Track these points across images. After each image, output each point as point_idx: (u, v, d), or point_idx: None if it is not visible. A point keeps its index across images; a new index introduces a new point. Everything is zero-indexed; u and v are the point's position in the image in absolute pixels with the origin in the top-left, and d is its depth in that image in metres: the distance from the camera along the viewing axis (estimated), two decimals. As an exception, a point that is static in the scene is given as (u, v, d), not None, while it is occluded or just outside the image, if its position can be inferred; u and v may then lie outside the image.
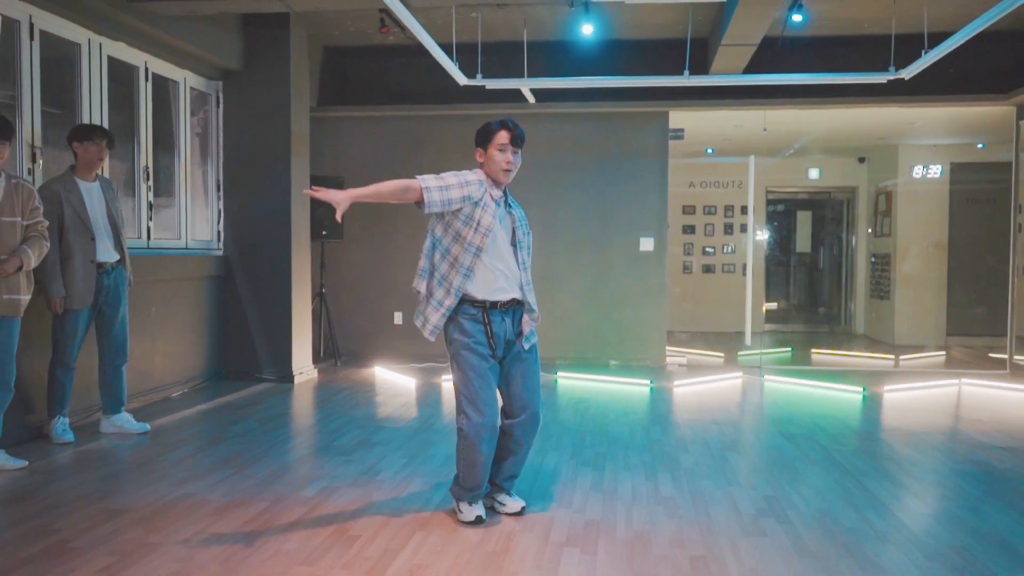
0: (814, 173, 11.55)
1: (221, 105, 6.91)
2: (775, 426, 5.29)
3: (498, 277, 3.35)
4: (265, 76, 6.84)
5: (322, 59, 8.41)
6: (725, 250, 11.75)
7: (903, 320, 10.21)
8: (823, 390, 6.69)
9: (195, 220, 6.67)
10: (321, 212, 7.60)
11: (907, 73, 6.43)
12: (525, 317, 3.45)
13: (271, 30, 6.80)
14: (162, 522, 3.35)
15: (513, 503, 3.52)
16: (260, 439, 4.83)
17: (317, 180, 7.49)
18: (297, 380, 6.85)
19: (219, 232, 6.93)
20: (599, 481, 4.00)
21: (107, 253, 4.75)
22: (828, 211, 12.16)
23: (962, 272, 10.16)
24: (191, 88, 6.58)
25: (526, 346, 3.43)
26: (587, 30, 6.98)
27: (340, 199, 3.17)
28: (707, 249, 11.74)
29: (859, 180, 11.56)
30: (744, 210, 11.67)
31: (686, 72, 6.73)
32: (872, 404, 6.17)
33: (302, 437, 4.95)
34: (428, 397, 6.30)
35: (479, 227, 3.30)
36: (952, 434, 5.09)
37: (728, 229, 11.79)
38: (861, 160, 11.52)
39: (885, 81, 6.65)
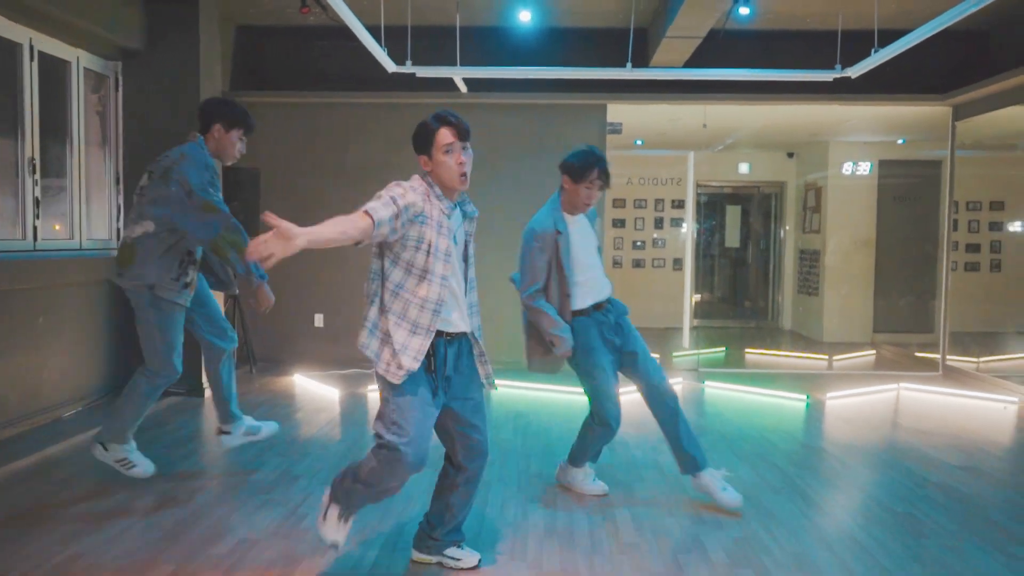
0: (744, 168, 11.45)
1: (120, 88, 6.21)
2: (726, 443, 5.02)
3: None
4: (171, 56, 6.18)
5: (235, 39, 7.74)
6: (656, 244, 11.56)
7: (831, 317, 10.21)
8: (765, 397, 6.49)
9: (91, 217, 5.98)
10: (235, 206, 6.97)
11: (854, 72, 6.23)
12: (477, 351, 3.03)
13: (177, 6, 6.13)
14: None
15: (469, 557, 3.11)
16: (163, 474, 4.26)
17: (229, 172, 6.87)
18: (208, 393, 6.24)
19: (118, 230, 6.24)
20: (552, 523, 3.63)
21: None
22: (757, 206, 12.11)
23: (888, 269, 10.22)
24: (85, 69, 5.87)
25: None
26: (524, 17, 6.58)
27: (294, 240, 2.43)
28: (637, 243, 11.53)
29: (787, 175, 11.52)
30: (675, 204, 11.53)
31: (628, 64, 6.38)
32: (817, 414, 5.99)
33: (214, 469, 4.41)
34: (354, 412, 5.81)
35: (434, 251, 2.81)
36: (906, 451, 4.91)
37: (659, 223, 11.59)
38: (790, 155, 11.48)
39: (831, 79, 6.46)
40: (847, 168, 10.24)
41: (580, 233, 3.89)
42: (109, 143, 6.18)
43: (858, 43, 6.34)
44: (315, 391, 6.53)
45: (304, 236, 2.40)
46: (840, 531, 3.58)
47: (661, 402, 3.90)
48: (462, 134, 2.93)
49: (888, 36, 5.85)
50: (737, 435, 5.26)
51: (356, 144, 7.79)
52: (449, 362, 2.90)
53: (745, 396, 6.56)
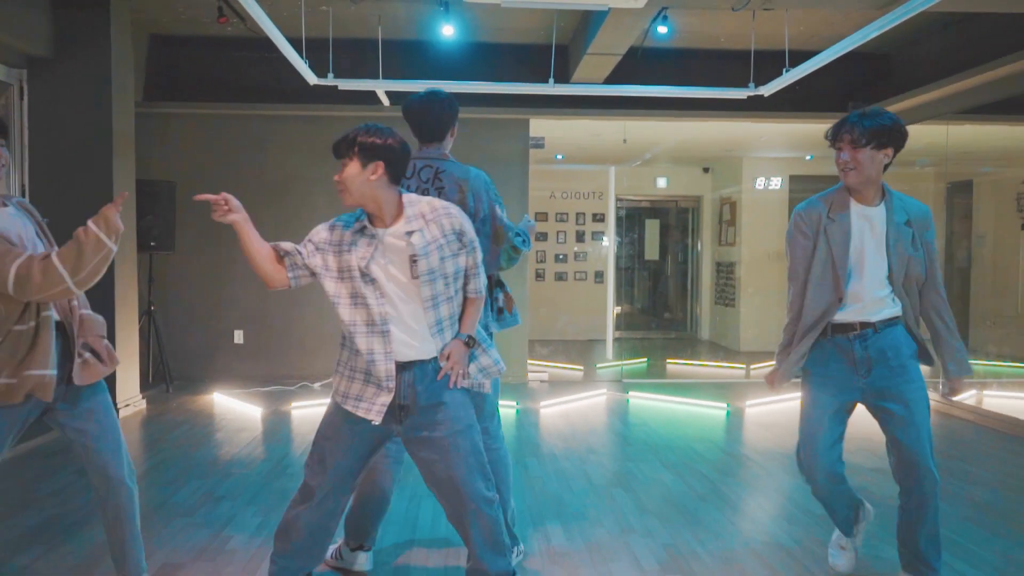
0: (662, 182, 11.73)
1: (26, 97, 5.95)
2: (654, 453, 5.11)
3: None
4: (81, 65, 5.95)
5: (148, 48, 7.51)
6: (577, 258, 11.71)
7: (747, 327, 10.52)
8: (688, 407, 6.64)
9: (-6, 231, 5.69)
10: (149, 220, 6.76)
11: (767, 90, 6.46)
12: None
13: (88, 12, 5.92)
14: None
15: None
16: (79, 499, 4.08)
17: (144, 185, 6.66)
18: (123, 413, 6.00)
19: (24, 245, 5.96)
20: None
21: None
22: (674, 219, 12.40)
23: (800, 281, 10.59)
24: (-13, 76, 5.61)
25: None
26: (447, 31, 6.58)
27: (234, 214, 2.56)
28: (559, 256, 11.65)
29: (703, 190, 11.84)
30: (596, 217, 11.71)
31: (551, 80, 6.47)
32: (738, 421, 6.16)
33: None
34: (277, 430, 5.68)
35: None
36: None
37: (580, 237, 11.75)
38: (705, 170, 11.81)
39: (745, 97, 6.68)
40: (760, 183, 10.60)
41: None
42: (13, 155, 5.90)
43: (769, 63, 6.59)
44: (236, 409, 6.35)
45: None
46: (765, 535, 3.68)
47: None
48: (335, 153, 2.63)
49: (797, 56, 6.10)
50: (663, 444, 5.36)
51: (276, 157, 7.65)
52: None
53: (668, 406, 6.69)
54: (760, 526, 3.82)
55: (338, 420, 2.61)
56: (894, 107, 7.41)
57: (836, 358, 2.89)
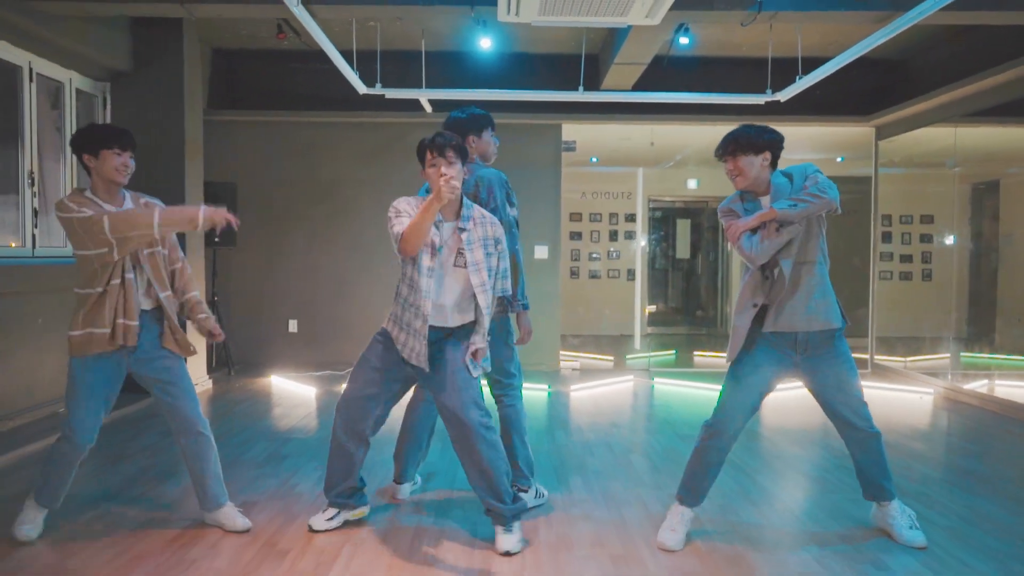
0: (692, 183, 12.16)
1: (108, 107, 6.65)
2: (670, 428, 5.61)
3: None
4: (157, 78, 6.63)
5: (212, 61, 8.21)
6: (611, 256, 12.20)
7: (773, 323, 10.88)
8: (708, 391, 7.10)
9: (81, 227, 6.38)
10: (214, 218, 7.42)
11: (783, 96, 6.92)
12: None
13: (163, 31, 6.60)
14: (78, 546, 3.26)
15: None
16: (166, 454, 4.72)
17: (211, 187, 7.33)
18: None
19: (106, 239, 6.65)
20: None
21: None
22: (705, 219, 12.82)
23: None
24: (77, 89, 6.31)
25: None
26: (485, 44, 7.14)
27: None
28: (593, 255, 12.15)
29: (733, 190, 12.21)
30: (628, 218, 12.18)
31: (580, 88, 7.00)
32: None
33: (208, 451, 4.86)
34: (330, 407, 6.27)
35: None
36: (829, 431, 5.54)
37: (613, 236, 12.24)
38: (735, 172, 12.20)
39: (763, 102, 7.14)
40: (786, 184, 10.96)
41: None
42: (97, 158, 6.59)
43: (787, 69, 7.04)
44: (291, 390, 6.98)
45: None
46: (760, 489, 4.16)
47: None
48: (437, 149, 3.27)
49: (812, 63, 6.55)
50: (681, 421, 5.85)
51: (325, 160, 8.29)
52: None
53: (691, 391, 7.16)
54: (756, 482, 4.29)
55: (385, 353, 3.38)
56: (910, 110, 7.81)
57: None
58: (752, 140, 3.28)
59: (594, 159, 11.29)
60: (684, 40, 6.85)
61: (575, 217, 11.90)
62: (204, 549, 3.24)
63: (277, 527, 3.51)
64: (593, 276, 12.15)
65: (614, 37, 7.20)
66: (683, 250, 12.81)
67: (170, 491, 4.01)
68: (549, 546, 3.34)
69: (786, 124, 8.39)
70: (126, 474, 4.29)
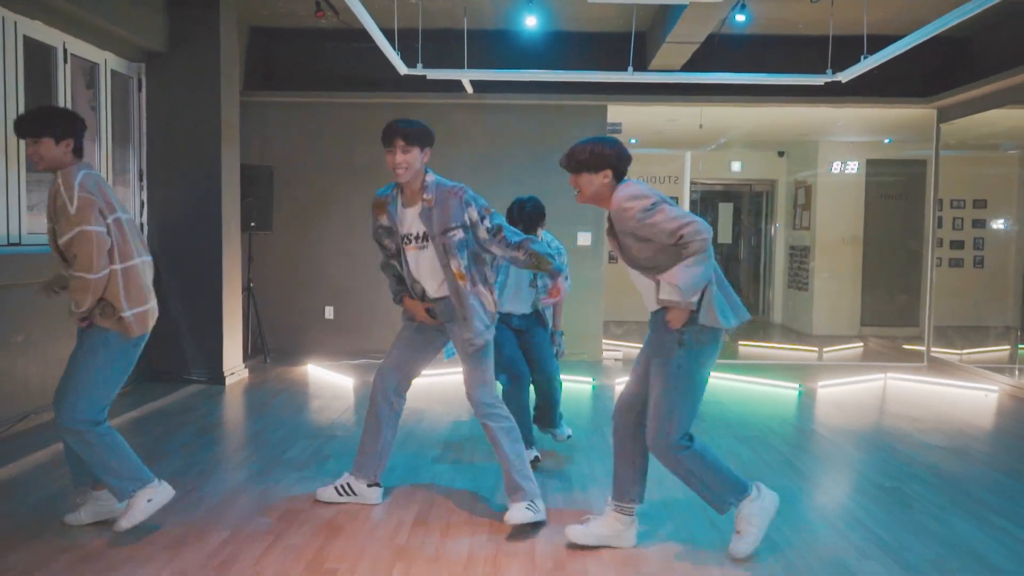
0: (736, 166, 11.79)
1: (143, 89, 6.46)
2: (728, 428, 5.35)
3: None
4: (192, 58, 6.43)
5: (247, 40, 7.99)
6: (650, 241, 11.87)
7: (820, 311, 10.56)
8: (759, 386, 6.82)
9: (116, 212, 6.23)
10: (250, 201, 7.24)
11: (844, 76, 6.56)
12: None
13: (199, 9, 6.38)
14: (117, 559, 3.09)
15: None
16: (203, 453, 4.55)
17: (245, 169, 7.13)
18: (229, 381, 6.52)
19: (142, 224, 6.50)
20: (568, 492, 3.93)
21: None
22: (748, 203, 12.45)
23: (875, 265, 10.58)
24: (112, 71, 6.12)
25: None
26: (530, 22, 6.85)
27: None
28: (632, 239, 11.83)
29: (778, 173, 11.86)
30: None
31: (630, 68, 6.69)
32: (810, 401, 6.33)
33: (248, 450, 4.69)
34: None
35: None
36: (894, 434, 5.25)
37: (653, 220, 11.89)
38: (780, 154, 11.82)
39: (822, 83, 6.78)
40: (836, 167, 10.59)
41: None
42: (132, 142, 6.43)
43: (844, 48, 6.68)
44: (329, 380, 6.80)
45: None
46: (836, 505, 3.90)
47: None
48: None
49: (875, 41, 6.19)
50: (736, 420, 5.58)
51: (364, 142, 8.05)
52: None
53: (741, 385, 6.88)
54: (831, 496, 4.03)
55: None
56: (973, 92, 7.40)
57: None
58: (588, 160, 3.15)
59: (633, 140, 10.96)
60: (741, 17, 6.51)
61: (614, 200, 11.58)
62: (246, 566, 3.05)
63: (322, 541, 3.31)
64: (632, 261, 11.85)
65: (666, 15, 6.87)
66: (725, 235, 12.45)
67: (209, 496, 3.84)
68: (616, 565, 3.11)
69: (844, 106, 8.05)
70: (163, 474, 4.12)
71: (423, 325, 3.68)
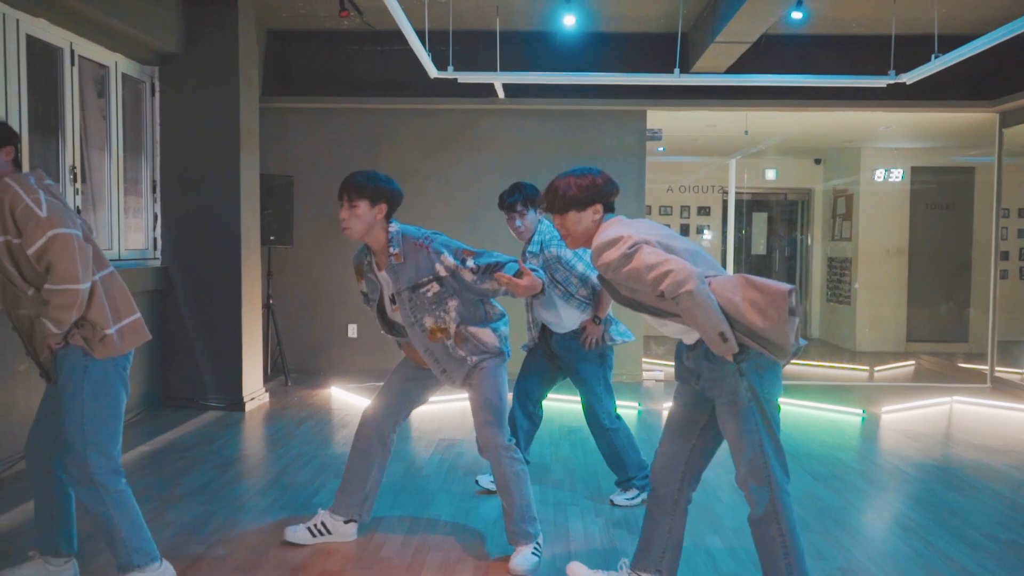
0: (771, 174, 11.30)
1: (157, 94, 6.04)
2: (796, 462, 4.85)
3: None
4: (209, 61, 6.00)
5: (264, 44, 7.56)
6: (682, 252, 11.39)
7: (864, 326, 10.04)
8: (818, 411, 6.32)
9: (127, 226, 5.80)
10: (269, 214, 6.80)
11: (910, 78, 6.11)
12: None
13: (216, 10, 5.96)
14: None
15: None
16: (225, 495, 4.09)
17: (263, 179, 6.69)
18: (248, 407, 6.06)
19: (155, 239, 6.06)
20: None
21: None
22: (782, 212, 11.95)
23: (922, 277, 10.07)
24: (123, 74, 5.70)
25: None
26: (569, 21, 6.40)
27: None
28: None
29: (814, 181, 11.37)
30: (701, 211, 11.38)
31: (676, 70, 6.24)
32: (875, 428, 5.83)
33: (275, 492, 4.21)
34: (400, 429, 5.61)
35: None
36: (985, 471, 4.74)
37: (684, 231, 11.44)
38: (817, 161, 11.33)
39: (884, 85, 6.32)
40: (879, 175, 10.09)
41: None
42: (145, 150, 6.00)
43: (903, 49, 6.21)
44: (355, 404, 6.34)
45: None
46: (949, 562, 3.39)
47: None
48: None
49: (937, 42, 5.73)
50: (802, 452, 5.09)
51: (389, 150, 7.62)
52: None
53: (795, 409, 6.39)
54: (939, 550, 3.53)
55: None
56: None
57: None
58: (577, 196, 2.78)
59: (661, 148, 10.50)
60: (797, 15, 6.02)
61: (644, 210, 11.12)
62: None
63: (368, 612, 2.84)
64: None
65: (713, 15, 6.41)
66: (758, 245, 11.95)
67: (233, 554, 3.37)
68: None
69: (905, 110, 7.57)
70: (181, 522, 3.67)
71: (422, 369, 3.42)
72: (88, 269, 2.67)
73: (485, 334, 3.25)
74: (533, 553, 3.22)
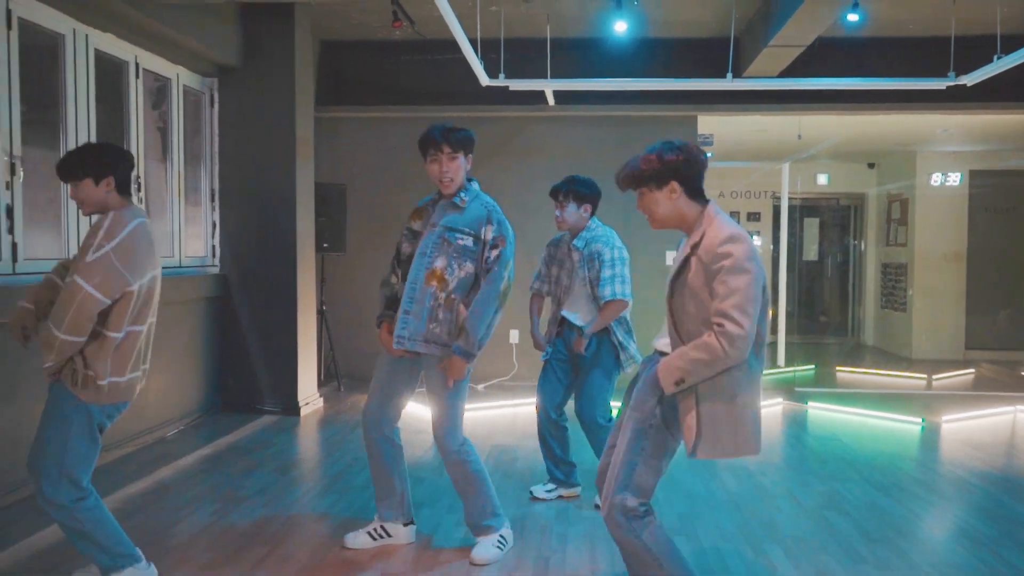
0: (822, 179, 11.14)
1: (216, 105, 6.18)
2: (855, 471, 4.76)
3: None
4: (266, 73, 6.12)
5: (318, 54, 7.68)
6: (730, 258, 11.28)
7: (921, 333, 9.83)
8: (876, 420, 6.21)
9: (187, 234, 5.93)
10: (323, 221, 6.91)
11: (971, 80, 5.98)
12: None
13: (273, 22, 6.08)
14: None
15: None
16: (285, 498, 4.16)
17: (317, 188, 6.80)
18: (303, 412, 6.15)
19: (214, 247, 6.20)
20: (700, 554, 3.42)
21: None
22: (834, 218, 11.77)
23: (981, 283, 9.82)
24: (184, 86, 5.84)
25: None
26: (620, 27, 6.38)
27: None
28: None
29: (868, 186, 11.18)
30: (751, 216, 11.26)
31: (728, 75, 6.20)
32: (936, 438, 5.70)
33: (333, 495, 4.27)
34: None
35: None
36: (1051, 480, 4.62)
37: (733, 237, 11.31)
38: (871, 166, 11.14)
39: (944, 87, 6.19)
40: (936, 178, 9.88)
41: None
42: (204, 160, 6.14)
43: (962, 50, 6.09)
44: (409, 410, 6.35)
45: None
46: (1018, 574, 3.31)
47: None
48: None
49: (1000, 42, 5.61)
50: (863, 462, 4.99)
51: (440, 159, 7.66)
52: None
53: (853, 418, 6.28)
54: (1006, 561, 3.44)
55: None
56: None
57: None
58: (647, 172, 2.60)
59: (708, 154, 10.40)
60: (853, 17, 5.93)
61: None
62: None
63: (430, 615, 2.87)
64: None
65: (766, 19, 6.35)
66: (810, 251, 11.78)
67: (297, 554, 3.43)
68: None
69: (965, 112, 7.41)
70: (242, 527, 3.74)
71: (400, 359, 3.41)
72: (80, 327, 2.70)
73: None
74: (497, 545, 3.36)
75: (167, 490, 4.31)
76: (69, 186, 2.90)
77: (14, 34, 4.13)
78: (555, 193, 4.17)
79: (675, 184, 2.55)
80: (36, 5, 4.29)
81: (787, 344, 9.21)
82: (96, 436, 2.87)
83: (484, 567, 3.28)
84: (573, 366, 4.14)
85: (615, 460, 2.61)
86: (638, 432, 2.55)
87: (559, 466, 4.16)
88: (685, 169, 2.55)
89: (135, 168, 2.96)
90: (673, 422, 2.52)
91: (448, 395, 3.32)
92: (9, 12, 4.10)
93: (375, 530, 3.51)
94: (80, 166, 2.85)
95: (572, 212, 4.11)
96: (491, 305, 3.26)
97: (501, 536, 3.41)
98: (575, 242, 4.10)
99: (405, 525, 3.53)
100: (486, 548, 3.34)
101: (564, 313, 4.12)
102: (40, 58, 4.45)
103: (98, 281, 2.69)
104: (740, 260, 2.37)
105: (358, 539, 3.49)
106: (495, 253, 3.30)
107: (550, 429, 4.15)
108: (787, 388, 7.45)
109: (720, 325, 2.35)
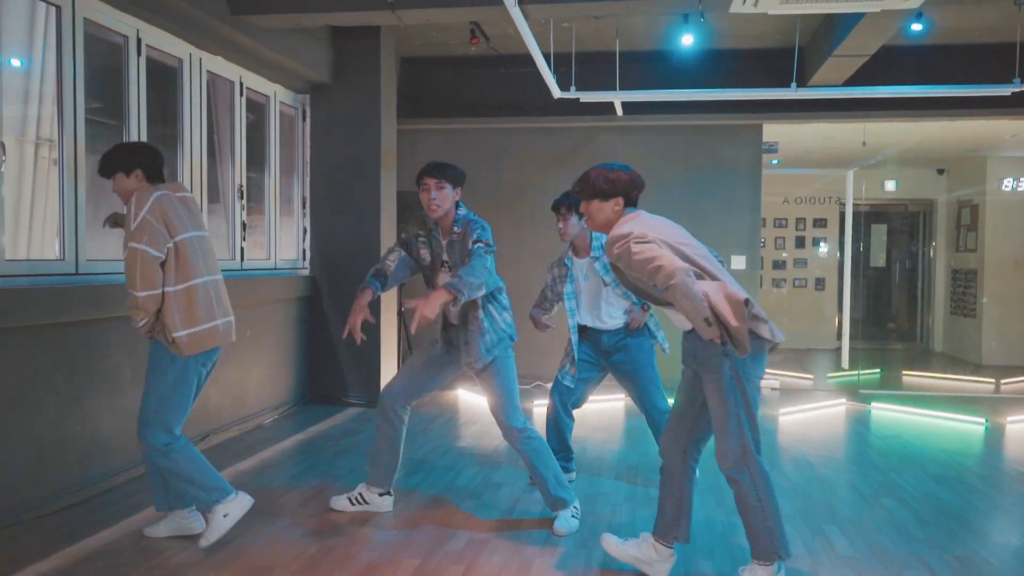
0: (890, 185, 11.16)
1: (308, 119, 6.67)
2: (915, 465, 4.94)
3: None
4: (354, 89, 6.59)
5: (399, 70, 8.15)
6: (797, 264, 11.40)
7: (991, 339, 9.78)
8: (938, 420, 6.33)
9: (281, 239, 6.43)
10: (403, 227, 7.34)
11: (1036, 86, 6.07)
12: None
13: (361, 42, 6.56)
14: (314, 584, 3.09)
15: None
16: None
17: (401, 196, 7.24)
18: (386, 405, 6.58)
19: (305, 251, 6.69)
20: (763, 535, 3.68)
21: None
22: (902, 224, 11.76)
23: (1054, 289, 9.73)
24: (280, 102, 6.35)
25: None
26: (687, 41, 6.66)
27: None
28: (777, 263, 11.39)
29: (936, 192, 11.16)
30: (817, 223, 11.35)
31: (793, 84, 6.42)
32: (1000, 437, 5.81)
33: (419, 475, 4.66)
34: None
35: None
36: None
37: (800, 243, 11.43)
38: (940, 172, 11.12)
39: (1009, 93, 6.30)
40: (1007, 183, 9.84)
41: None
42: (296, 170, 6.64)
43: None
44: (481, 405, 6.76)
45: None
46: (1067, 555, 3.49)
47: None
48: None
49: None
50: (924, 457, 5.16)
51: (512, 166, 8.06)
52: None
53: (915, 418, 6.41)
54: (1058, 546, 3.62)
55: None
56: None
57: None
58: (603, 188, 3.10)
59: (774, 161, 10.56)
60: (917, 27, 6.11)
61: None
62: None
63: (514, 574, 3.21)
64: (777, 285, 11.41)
65: (831, 28, 6.55)
66: (877, 257, 11.78)
67: (391, 522, 3.81)
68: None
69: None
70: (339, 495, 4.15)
71: (441, 356, 3.87)
72: (150, 281, 3.18)
73: (500, 314, 3.85)
74: (573, 516, 3.72)
75: (272, 467, 4.76)
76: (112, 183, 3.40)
77: (142, 60, 4.65)
78: (557, 207, 4.43)
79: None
80: (161, 34, 4.81)
81: (852, 350, 9.30)
82: (190, 387, 3.37)
83: (564, 536, 3.61)
84: (598, 366, 4.44)
85: (716, 426, 2.96)
86: (725, 391, 2.90)
87: (560, 452, 4.40)
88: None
89: (162, 159, 3.45)
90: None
91: (499, 376, 3.72)
92: (139, 40, 4.62)
93: (354, 497, 3.93)
94: (111, 164, 3.38)
95: (575, 225, 4.38)
96: (479, 276, 3.59)
97: (575, 507, 3.76)
98: (593, 252, 4.39)
99: (381, 495, 3.93)
100: (566, 520, 3.69)
101: (597, 324, 4.40)
102: (164, 79, 4.98)
103: (146, 239, 3.19)
104: (622, 253, 2.89)
105: (339, 502, 3.93)
106: (471, 246, 3.71)
107: (563, 419, 4.44)
108: (851, 390, 7.60)
109: (654, 286, 2.83)
